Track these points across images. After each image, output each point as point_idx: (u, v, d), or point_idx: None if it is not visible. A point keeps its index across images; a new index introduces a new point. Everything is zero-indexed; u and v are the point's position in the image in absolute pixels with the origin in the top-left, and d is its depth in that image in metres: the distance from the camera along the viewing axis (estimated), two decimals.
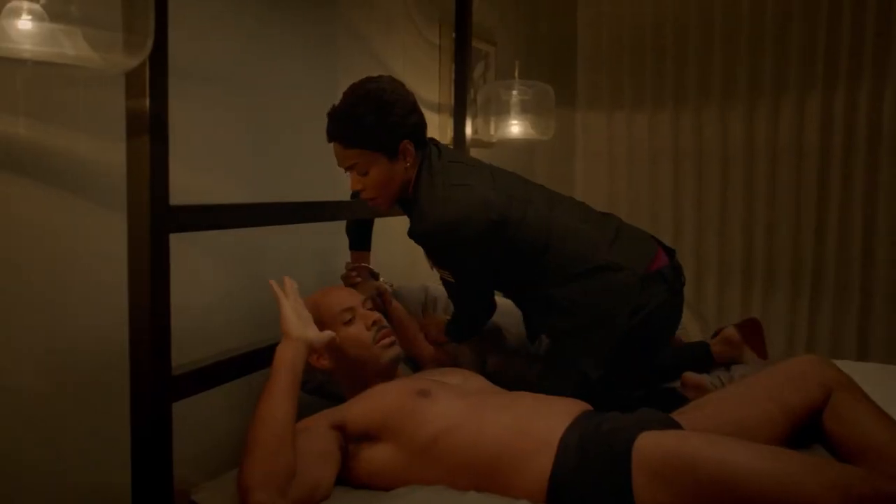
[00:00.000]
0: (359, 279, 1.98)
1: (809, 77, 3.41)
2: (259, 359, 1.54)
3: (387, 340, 1.56)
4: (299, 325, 1.36)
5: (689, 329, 2.94)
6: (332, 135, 1.59)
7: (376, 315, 1.58)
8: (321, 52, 2.18)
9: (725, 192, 3.62)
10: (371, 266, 2.05)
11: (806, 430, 1.44)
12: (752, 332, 3.05)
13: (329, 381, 1.77)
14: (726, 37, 3.54)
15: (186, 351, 1.43)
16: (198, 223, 1.37)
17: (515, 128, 2.79)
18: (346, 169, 1.62)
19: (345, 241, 2.10)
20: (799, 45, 3.42)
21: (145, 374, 1.24)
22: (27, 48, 0.92)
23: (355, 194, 1.68)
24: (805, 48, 3.41)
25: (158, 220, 1.23)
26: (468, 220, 1.56)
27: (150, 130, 1.21)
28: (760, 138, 3.53)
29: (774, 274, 3.54)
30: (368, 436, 1.36)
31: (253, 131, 1.92)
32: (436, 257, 1.66)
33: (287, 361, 1.30)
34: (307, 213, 1.75)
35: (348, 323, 1.55)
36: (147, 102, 1.20)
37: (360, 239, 2.08)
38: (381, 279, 2.03)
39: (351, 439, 1.37)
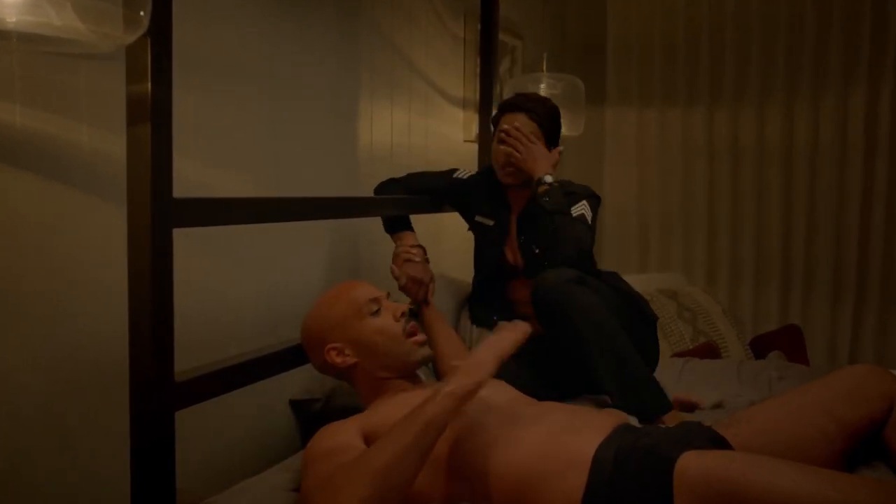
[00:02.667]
0: (418, 259, 1.90)
1: (853, 72, 3.30)
2: (269, 364, 1.47)
3: (419, 338, 1.47)
4: None
5: (727, 336, 2.81)
6: (524, 106, 1.95)
7: (404, 306, 1.50)
8: (342, 45, 2.13)
9: (762, 191, 3.51)
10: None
11: (866, 446, 1.34)
12: (791, 339, 2.93)
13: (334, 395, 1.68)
14: (764, 30, 3.43)
15: (192, 355, 1.36)
16: (203, 218, 1.29)
17: None
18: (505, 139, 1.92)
19: (363, 241, 2.02)
20: (841, 39, 3.31)
21: (146, 380, 1.17)
22: (10, 18, 0.83)
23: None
24: (848, 42, 3.30)
25: (160, 213, 1.16)
26: None
27: (151, 117, 1.14)
28: (800, 136, 3.42)
29: (815, 277, 3.42)
30: None
31: (271, 126, 1.87)
32: (590, 201, 1.93)
33: (453, 414, 1.13)
34: (322, 209, 1.68)
35: (375, 314, 1.45)
36: (149, 87, 1.13)
37: (402, 220, 2.02)
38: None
39: None
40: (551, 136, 1.97)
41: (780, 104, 3.42)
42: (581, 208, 1.87)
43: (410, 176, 2.11)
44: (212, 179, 1.66)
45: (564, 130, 2.72)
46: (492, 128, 2.01)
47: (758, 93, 3.47)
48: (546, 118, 1.94)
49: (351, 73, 2.16)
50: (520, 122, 1.91)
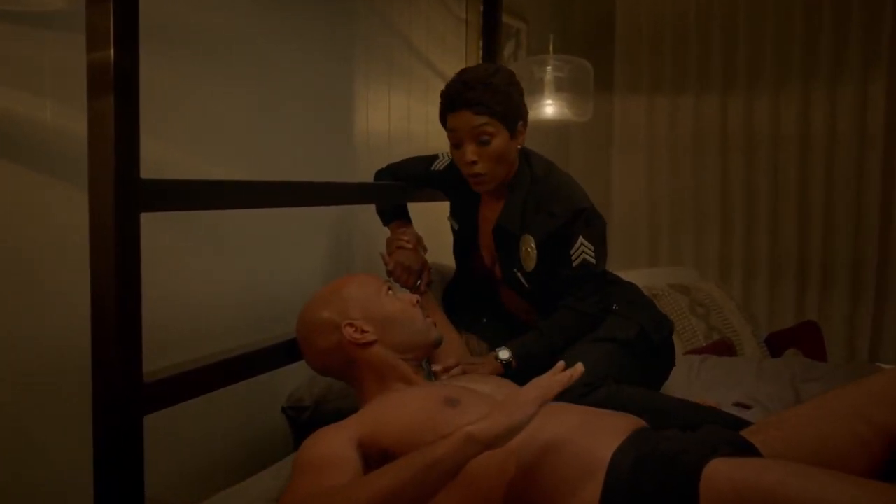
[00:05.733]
0: (409, 246, 1.77)
1: (872, 58, 3.20)
2: (251, 363, 1.37)
3: (431, 320, 1.48)
4: None
5: (741, 333, 2.71)
6: (465, 100, 1.59)
7: (416, 297, 1.50)
8: (338, 25, 2.04)
9: (777, 183, 3.42)
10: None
11: None
12: (809, 336, 2.83)
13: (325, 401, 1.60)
14: (779, 14, 3.33)
15: (166, 353, 1.28)
16: (174, 201, 1.18)
17: (550, 108, 2.63)
18: (462, 142, 1.62)
19: (358, 232, 1.92)
20: (860, 24, 3.21)
21: (111, 381, 1.07)
22: None
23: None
24: (867, 27, 3.20)
25: (125, 195, 1.06)
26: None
27: (114, 87, 1.04)
28: (817, 125, 3.33)
29: (833, 271, 3.33)
30: (389, 455, 1.17)
31: (260, 111, 1.77)
32: (585, 233, 1.66)
33: (469, 457, 1.01)
34: (305, 195, 1.57)
35: (391, 295, 1.45)
36: (111, 53, 1.03)
37: (399, 210, 1.90)
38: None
39: (369, 460, 1.18)
40: (511, 117, 1.62)
41: (796, 92, 3.33)
42: (580, 252, 1.63)
43: (400, 163, 1.96)
44: (197, 166, 1.57)
45: (572, 115, 2.64)
46: (441, 125, 1.68)
47: (773, 80, 3.37)
48: (497, 103, 1.59)
49: (346, 55, 2.07)
50: (466, 119, 1.59)
